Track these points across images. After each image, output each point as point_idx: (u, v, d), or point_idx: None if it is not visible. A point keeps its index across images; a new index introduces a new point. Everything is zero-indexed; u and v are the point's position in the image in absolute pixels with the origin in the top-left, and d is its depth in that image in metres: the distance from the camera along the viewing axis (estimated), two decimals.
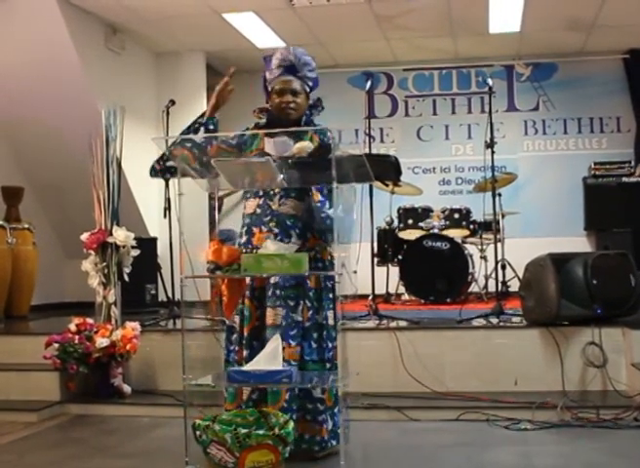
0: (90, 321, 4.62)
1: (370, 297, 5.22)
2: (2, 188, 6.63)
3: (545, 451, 3.42)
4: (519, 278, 5.66)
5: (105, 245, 4.67)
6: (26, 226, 6.49)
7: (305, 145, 3.08)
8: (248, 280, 3.23)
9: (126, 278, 4.77)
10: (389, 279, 6.78)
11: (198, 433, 2.84)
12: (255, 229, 3.29)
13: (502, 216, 6.72)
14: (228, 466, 2.79)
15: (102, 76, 6.86)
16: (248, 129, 3.47)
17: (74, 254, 5.84)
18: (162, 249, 6.56)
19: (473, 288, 6.82)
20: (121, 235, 4.67)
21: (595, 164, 7.97)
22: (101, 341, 4.42)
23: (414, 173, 8.36)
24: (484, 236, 6.88)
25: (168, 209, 5.64)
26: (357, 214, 3.42)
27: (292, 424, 2.93)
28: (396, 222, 6.97)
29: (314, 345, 3.23)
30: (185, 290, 2.99)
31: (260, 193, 3.31)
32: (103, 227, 4.69)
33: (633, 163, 7.93)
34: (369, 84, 5.76)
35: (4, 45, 6.37)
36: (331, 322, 3.25)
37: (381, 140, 8.59)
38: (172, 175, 3.31)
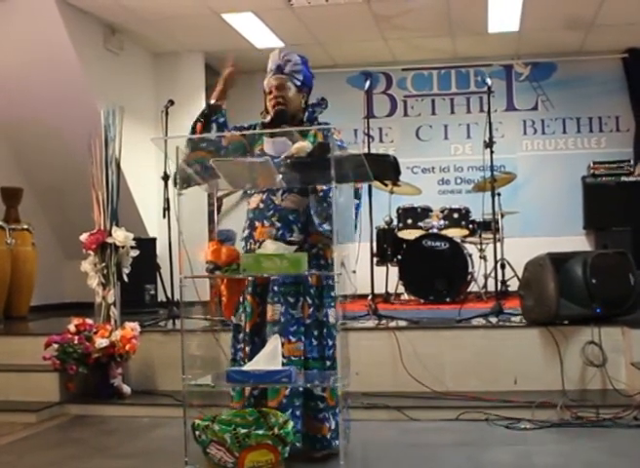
0: (89, 321, 4.62)
1: (369, 297, 5.22)
2: (1, 189, 6.63)
3: (545, 451, 3.42)
4: (518, 277, 5.65)
5: (105, 245, 4.67)
6: (26, 227, 6.49)
7: (304, 145, 3.08)
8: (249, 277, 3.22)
9: (125, 278, 4.77)
10: (389, 279, 6.79)
11: (198, 433, 2.85)
12: (257, 223, 3.30)
13: (502, 216, 6.74)
14: (228, 466, 2.79)
15: (101, 76, 6.85)
16: (251, 126, 3.46)
17: (73, 255, 5.84)
18: (161, 249, 6.55)
19: (473, 287, 6.82)
20: (120, 235, 4.67)
21: (594, 163, 7.96)
22: (101, 342, 4.43)
23: (413, 172, 8.35)
24: (483, 236, 6.89)
25: (167, 209, 5.62)
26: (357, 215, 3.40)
27: (291, 424, 2.93)
28: (395, 222, 6.96)
29: (315, 342, 3.23)
30: (185, 290, 3.00)
31: (264, 189, 3.31)
32: (103, 228, 4.69)
33: (632, 162, 7.92)
34: (368, 84, 5.76)
35: (3, 45, 6.38)
36: (331, 319, 3.25)
37: (380, 140, 8.59)
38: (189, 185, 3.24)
